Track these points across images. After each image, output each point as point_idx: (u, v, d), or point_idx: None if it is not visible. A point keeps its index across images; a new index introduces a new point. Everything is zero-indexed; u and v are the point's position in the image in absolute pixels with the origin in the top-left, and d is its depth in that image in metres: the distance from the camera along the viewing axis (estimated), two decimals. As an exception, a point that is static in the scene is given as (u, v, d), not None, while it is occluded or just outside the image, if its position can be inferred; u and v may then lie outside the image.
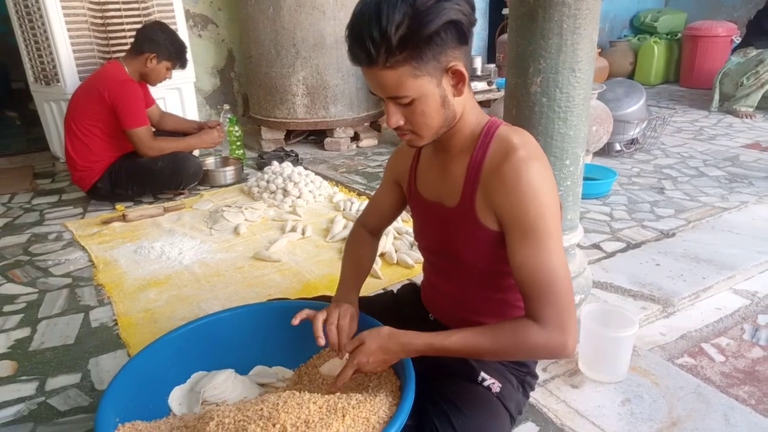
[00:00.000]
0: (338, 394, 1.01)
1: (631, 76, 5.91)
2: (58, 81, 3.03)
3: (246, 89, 4.29)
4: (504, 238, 0.98)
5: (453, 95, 0.95)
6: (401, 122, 0.95)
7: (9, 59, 5.40)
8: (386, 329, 1.02)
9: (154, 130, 2.87)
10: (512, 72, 1.35)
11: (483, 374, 1.09)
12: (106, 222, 2.56)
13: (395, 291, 1.45)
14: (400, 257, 2.09)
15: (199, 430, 0.96)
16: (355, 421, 0.93)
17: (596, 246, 2.20)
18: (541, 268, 0.92)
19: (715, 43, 5.38)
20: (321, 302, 1.26)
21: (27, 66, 3.18)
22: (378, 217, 1.31)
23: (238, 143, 3.42)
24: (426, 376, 1.07)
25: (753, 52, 4.45)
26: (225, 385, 1.18)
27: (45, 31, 2.92)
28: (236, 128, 3.37)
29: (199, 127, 3.03)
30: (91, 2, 2.96)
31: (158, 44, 2.67)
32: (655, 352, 1.54)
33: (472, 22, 0.90)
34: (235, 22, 4.16)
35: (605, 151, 3.39)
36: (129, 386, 1.08)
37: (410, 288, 1.41)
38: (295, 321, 1.12)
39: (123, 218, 2.58)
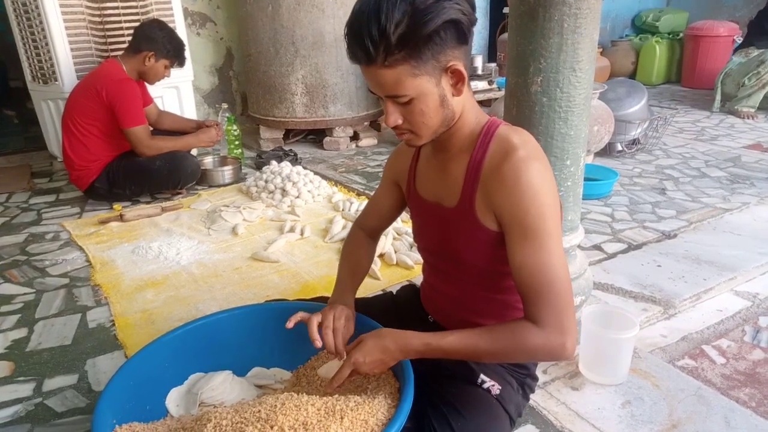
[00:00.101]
0: (336, 396, 1.01)
1: (632, 75, 5.90)
2: (55, 80, 3.02)
3: (245, 88, 4.28)
4: (503, 238, 0.97)
5: (452, 95, 0.94)
6: (400, 121, 0.94)
7: (7, 58, 5.38)
8: (384, 329, 1.02)
9: (152, 129, 2.85)
10: (512, 71, 1.34)
11: (482, 376, 1.08)
12: (104, 222, 2.55)
13: (394, 292, 1.44)
14: (399, 258, 2.08)
15: (196, 433, 0.95)
16: (353, 423, 0.93)
17: (597, 247, 2.19)
18: (540, 269, 0.91)
19: (716, 43, 5.37)
20: (319, 303, 1.26)
21: (25, 64, 3.17)
22: (377, 218, 1.30)
23: (237, 142, 3.41)
24: (425, 378, 1.06)
25: (754, 53, 4.45)
26: (222, 387, 1.18)
27: (43, 30, 2.90)
28: (234, 127, 3.36)
29: (198, 126, 3.02)
30: (89, 0, 2.95)
31: (156, 42, 2.65)
32: (656, 354, 1.53)
33: (473, 22, 0.89)
34: (233, 21, 4.15)
35: (606, 151, 3.38)
36: (126, 387, 1.08)
37: (410, 289, 1.40)
38: (290, 324, 1.11)
39: (120, 218, 2.57)
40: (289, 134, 3.98)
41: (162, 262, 2.17)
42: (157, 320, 1.76)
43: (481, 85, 4.12)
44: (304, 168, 3.05)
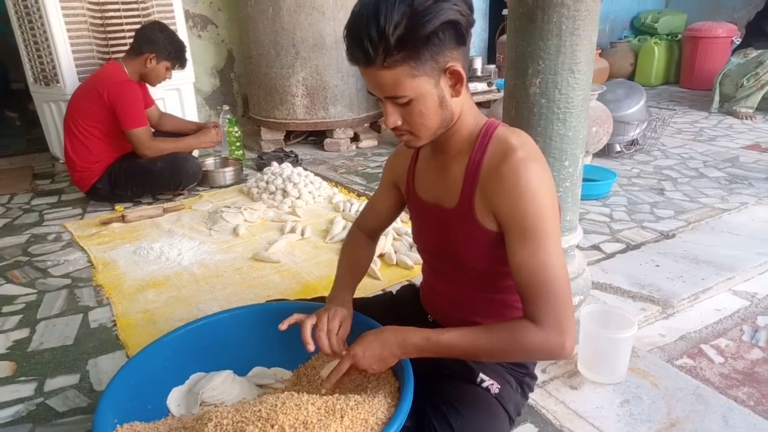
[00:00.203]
0: (337, 395, 1.01)
1: (631, 77, 5.91)
2: (57, 82, 3.03)
3: (245, 90, 4.29)
4: (503, 239, 0.98)
5: (451, 96, 0.94)
6: (399, 122, 0.95)
7: (9, 59, 5.40)
8: (385, 327, 1.03)
9: (153, 130, 2.86)
10: (511, 73, 1.35)
11: (482, 375, 1.09)
12: (106, 223, 2.56)
13: (394, 292, 1.45)
14: (399, 258, 2.09)
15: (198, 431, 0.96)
16: (353, 422, 0.93)
17: (596, 247, 2.20)
18: (539, 269, 0.91)
19: (715, 44, 5.38)
20: (319, 303, 1.26)
21: (26, 66, 3.18)
22: (376, 220, 1.31)
23: (238, 144, 3.42)
24: (425, 378, 1.07)
25: (753, 54, 4.45)
26: (223, 386, 1.18)
27: (44, 32, 2.92)
28: (236, 129, 3.37)
29: (198, 128, 3.03)
30: (90, 2, 2.96)
31: (157, 44, 2.66)
32: (655, 354, 1.54)
33: (471, 23, 0.90)
34: (234, 23, 4.16)
35: (605, 152, 3.39)
36: (127, 387, 1.08)
37: (409, 289, 1.41)
38: (283, 326, 1.12)
39: (122, 219, 2.58)
40: (289, 136, 3.99)
41: (163, 262, 2.18)
42: (158, 320, 1.77)
43: (481, 86, 4.13)
44: (305, 169, 3.06)
